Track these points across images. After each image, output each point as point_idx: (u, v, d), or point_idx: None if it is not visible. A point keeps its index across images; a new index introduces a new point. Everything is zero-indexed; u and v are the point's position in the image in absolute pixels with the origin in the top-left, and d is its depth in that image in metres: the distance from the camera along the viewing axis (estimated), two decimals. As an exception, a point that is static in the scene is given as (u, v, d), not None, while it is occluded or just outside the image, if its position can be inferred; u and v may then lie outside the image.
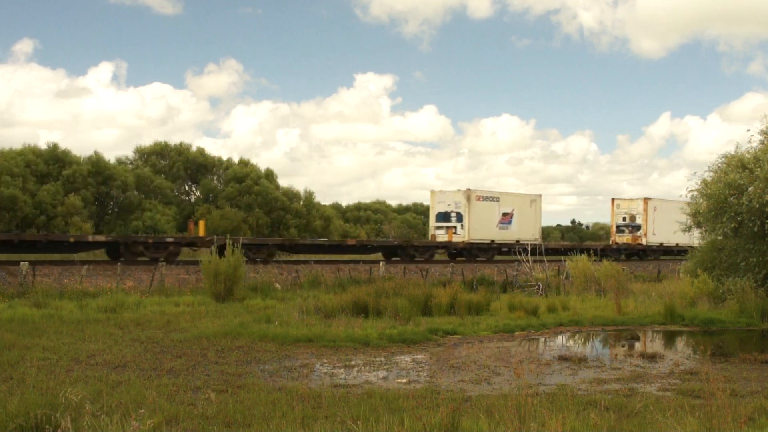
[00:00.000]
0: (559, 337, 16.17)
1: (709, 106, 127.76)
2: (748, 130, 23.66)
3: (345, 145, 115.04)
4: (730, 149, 22.29)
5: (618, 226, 46.45)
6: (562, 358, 12.74)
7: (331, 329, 14.60)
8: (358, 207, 69.67)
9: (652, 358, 13.06)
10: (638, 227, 45.46)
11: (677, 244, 45.37)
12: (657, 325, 17.80)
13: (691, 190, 21.42)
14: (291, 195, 55.03)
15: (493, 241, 38.66)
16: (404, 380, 10.54)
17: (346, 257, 33.69)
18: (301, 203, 55.04)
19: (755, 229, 18.93)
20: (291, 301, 19.69)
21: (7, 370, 10.24)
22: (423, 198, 74.97)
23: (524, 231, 40.07)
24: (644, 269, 36.27)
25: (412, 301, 17.40)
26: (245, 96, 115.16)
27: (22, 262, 21.29)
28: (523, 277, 25.34)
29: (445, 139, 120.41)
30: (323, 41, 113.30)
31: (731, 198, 19.73)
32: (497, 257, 39.04)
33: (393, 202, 77.35)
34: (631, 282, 25.97)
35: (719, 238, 21.23)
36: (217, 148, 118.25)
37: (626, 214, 46.05)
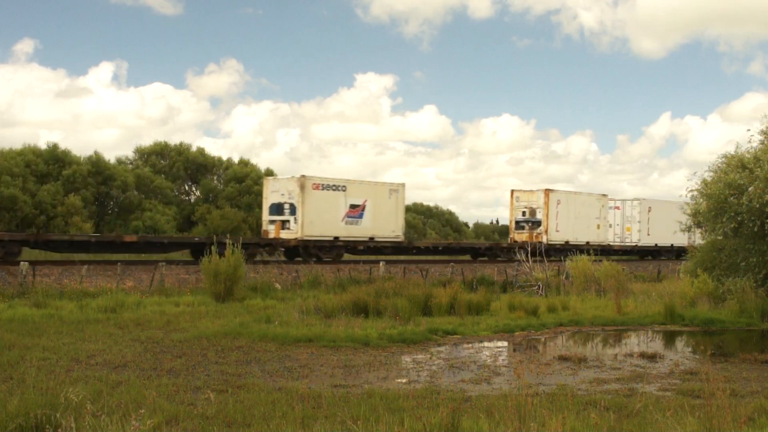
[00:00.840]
0: (559, 337, 16.18)
1: (709, 106, 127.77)
2: (748, 130, 23.70)
3: (345, 145, 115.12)
4: (730, 149, 22.35)
5: (517, 222, 40.07)
6: (562, 358, 12.74)
7: (331, 329, 14.59)
8: (358, 207, 69.55)
9: (652, 358, 13.07)
10: (539, 223, 39.29)
11: (588, 243, 39.85)
12: (657, 325, 17.80)
13: (691, 190, 21.45)
14: (291, 195, 55.00)
15: (336, 237, 32.46)
16: (404, 380, 10.55)
17: (134, 257, 27.77)
18: (302, 203, 54.99)
19: (755, 229, 18.93)
20: (291, 301, 19.69)
21: (7, 370, 10.24)
22: (423, 198, 74.99)
23: (380, 226, 33.97)
24: (644, 269, 36.26)
25: (412, 301, 17.39)
26: (246, 96, 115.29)
27: (22, 262, 21.27)
28: (523, 277, 25.33)
29: (445, 139, 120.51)
30: (323, 41, 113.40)
31: (731, 198, 19.74)
32: (494, 257, 36.95)
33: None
34: (631, 282, 25.97)
35: (719, 238, 21.24)
36: (217, 148, 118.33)
37: (526, 207, 39.80)
